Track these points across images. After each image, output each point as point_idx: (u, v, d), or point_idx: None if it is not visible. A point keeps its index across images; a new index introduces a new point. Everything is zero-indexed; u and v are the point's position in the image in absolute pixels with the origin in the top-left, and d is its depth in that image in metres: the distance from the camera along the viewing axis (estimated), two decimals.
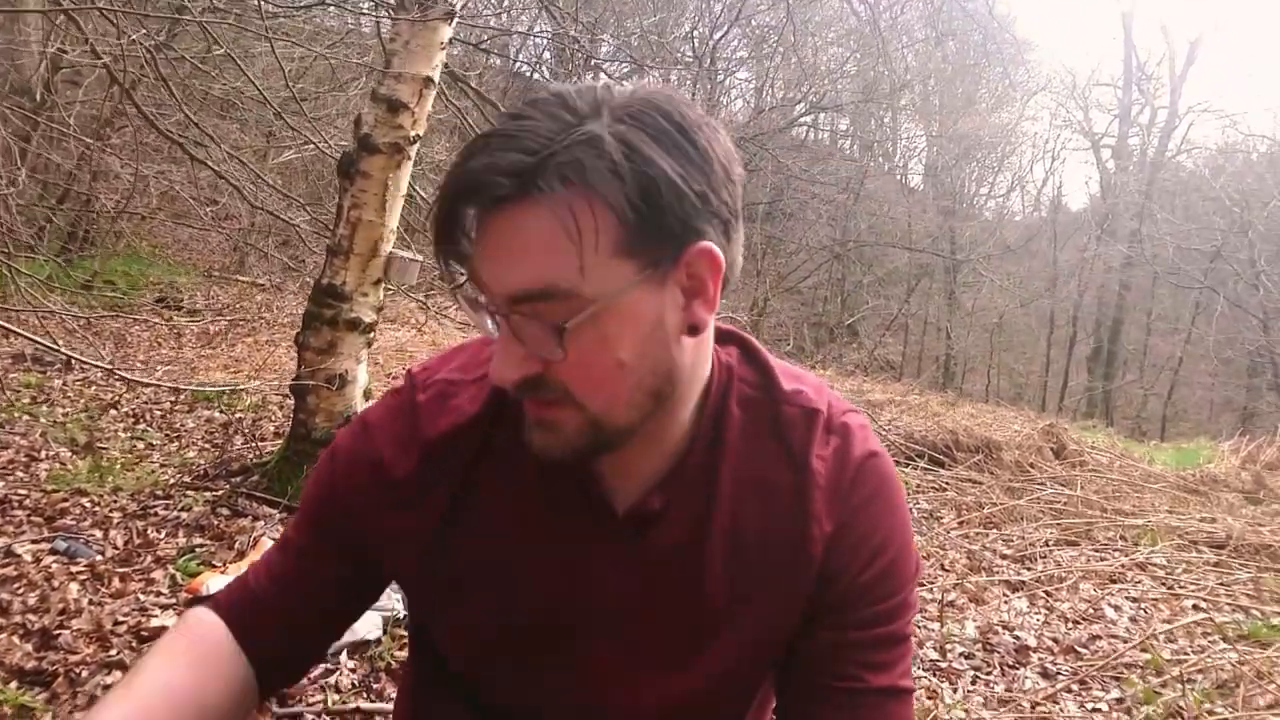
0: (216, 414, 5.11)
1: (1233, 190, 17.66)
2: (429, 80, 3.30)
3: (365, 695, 2.29)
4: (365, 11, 3.75)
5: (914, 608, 0.89)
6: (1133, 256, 18.47)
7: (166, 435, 4.59)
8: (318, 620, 0.93)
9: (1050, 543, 4.99)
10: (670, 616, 0.85)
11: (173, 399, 5.28)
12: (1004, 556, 4.72)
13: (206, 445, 4.44)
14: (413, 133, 3.29)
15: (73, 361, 5.63)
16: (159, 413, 4.98)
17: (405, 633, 2.59)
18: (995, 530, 5.13)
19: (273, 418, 5.11)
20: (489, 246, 0.69)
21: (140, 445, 4.28)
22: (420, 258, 3.56)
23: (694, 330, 0.75)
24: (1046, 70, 22.94)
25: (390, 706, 2.22)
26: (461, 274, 0.72)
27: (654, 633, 0.86)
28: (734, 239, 0.75)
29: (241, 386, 4.80)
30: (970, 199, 22.06)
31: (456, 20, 3.45)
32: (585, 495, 0.83)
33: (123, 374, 2.97)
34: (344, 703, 2.22)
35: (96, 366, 2.61)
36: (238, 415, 5.11)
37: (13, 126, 7.02)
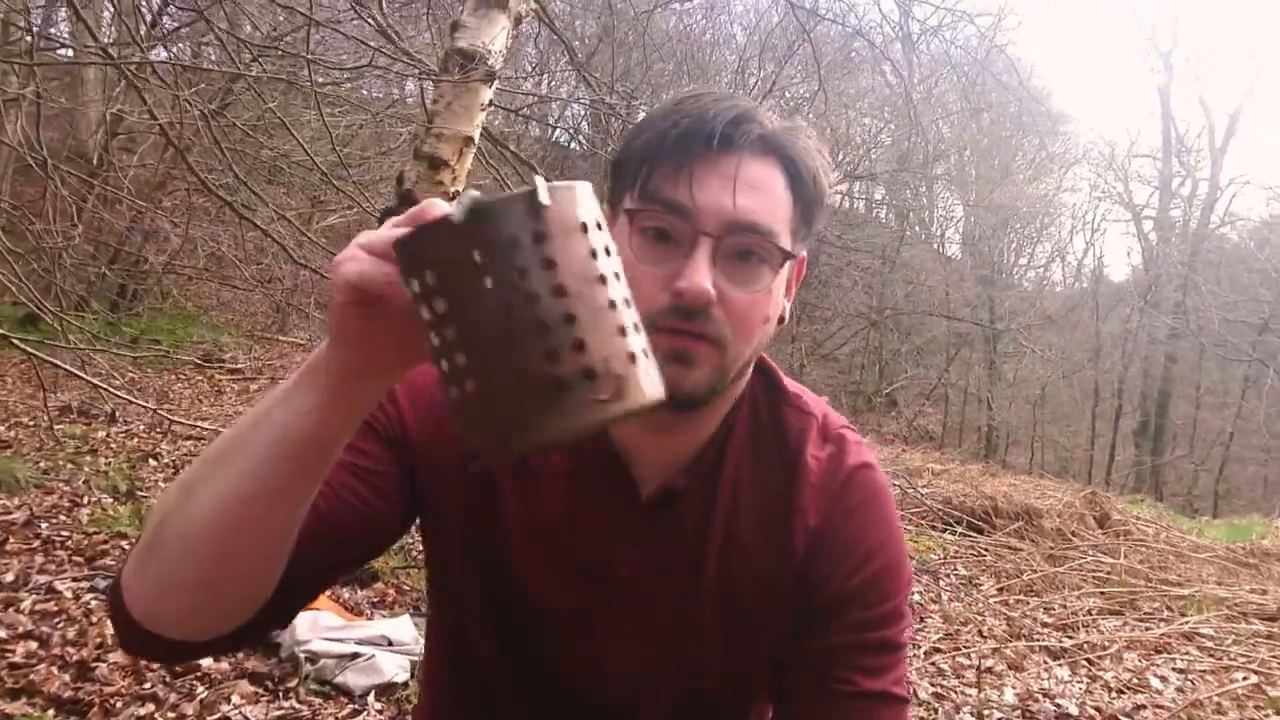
0: None
1: (1279, 262, 17.43)
2: (469, 140, 3.39)
3: None
4: (410, 72, 3.87)
5: (906, 618, 0.91)
6: (1178, 328, 18.20)
7: None
8: (343, 530, 0.84)
9: (1093, 611, 4.86)
10: (674, 593, 0.90)
11: None
12: (1044, 624, 4.60)
13: None
14: (453, 189, 3.37)
15: (116, 415, 5.76)
16: None
17: None
18: (1036, 598, 5.00)
19: None
20: (725, 177, 0.78)
21: None
22: None
23: (781, 320, 0.86)
24: (1084, 142, 22.90)
25: None
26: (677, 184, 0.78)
27: (656, 608, 0.90)
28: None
29: None
30: (1009, 269, 21.96)
31: (496, 85, 3.55)
32: (615, 480, 0.89)
33: (167, 415, 3.03)
34: None
35: (144, 407, 2.68)
36: None
37: (69, 188, 7.28)
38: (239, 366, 9.35)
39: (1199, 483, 19.15)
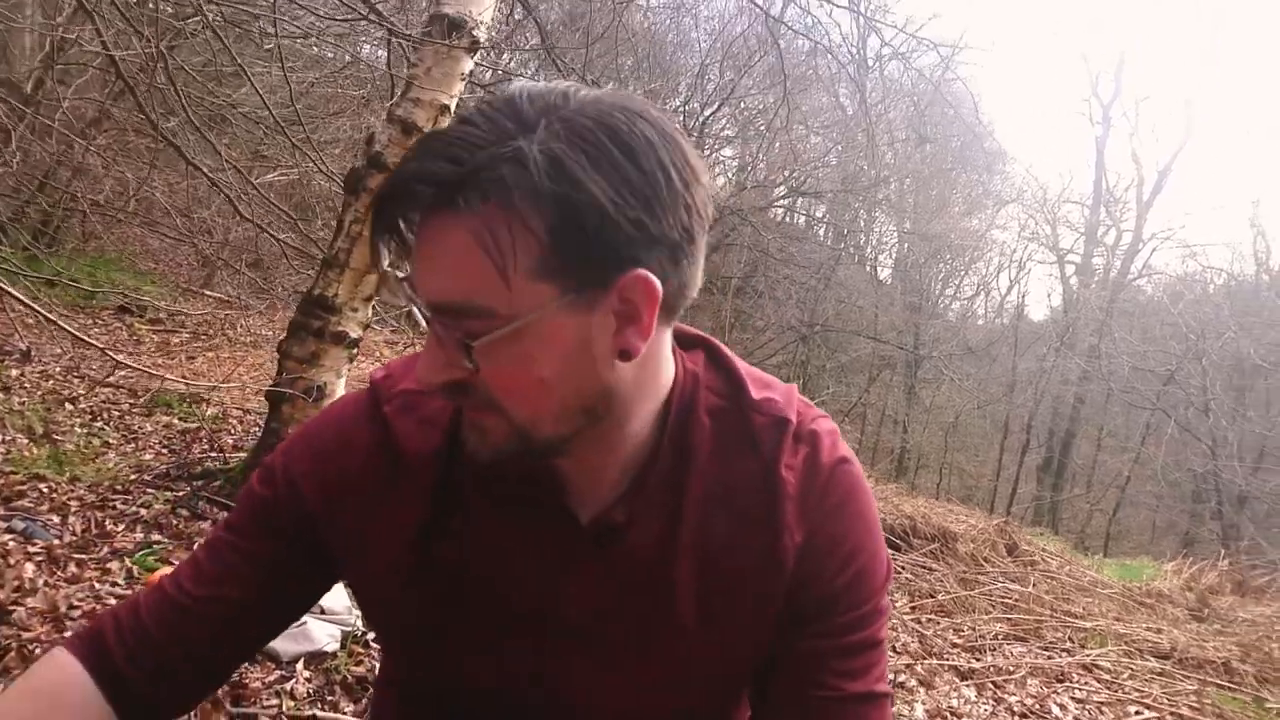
0: (175, 420, 5.00)
1: (1190, 318, 18.23)
2: (445, 108, 3.33)
3: (320, 705, 2.22)
4: (398, 34, 3.77)
5: (886, 613, 0.88)
6: (1089, 371, 18.89)
7: (123, 436, 4.48)
8: (231, 627, 0.87)
9: (1000, 636, 5.00)
10: (641, 629, 0.84)
11: (131, 401, 5.17)
12: (954, 644, 4.72)
13: (163, 450, 4.34)
14: None
15: (32, 353, 5.52)
16: (117, 413, 4.87)
17: (362, 650, 2.53)
18: (947, 618, 5.13)
19: (232, 431, 5.02)
20: (418, 250, 0.68)
21: (96, 442, 4.17)
22: None
23: (625, 356, 0.73)
24: (1019, 182, 23.65)
25: (346, 717, 2.16)
26: (390, 268, 0.72)
27: (624, 645, 0.84)
28: (685, 263, 0.72)
29: (225, 385, 4.70)
30: (936, 298, 22.52)
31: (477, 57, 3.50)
32: (548, 506, 0.82)
33: (118, 358, 2.89)
34: (299, 710, 2.14)
35: (94, 346, 2.55)
36: (195, 424, 5.00)
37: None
38: (160, 317, 9.03)
39: (1092, 521, 19.90)
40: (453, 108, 3.38)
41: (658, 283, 0.69)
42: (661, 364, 0.81)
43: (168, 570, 2.57)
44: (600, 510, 0.82)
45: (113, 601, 2.36)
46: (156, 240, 11.20)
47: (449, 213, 0.65)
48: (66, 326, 2.51)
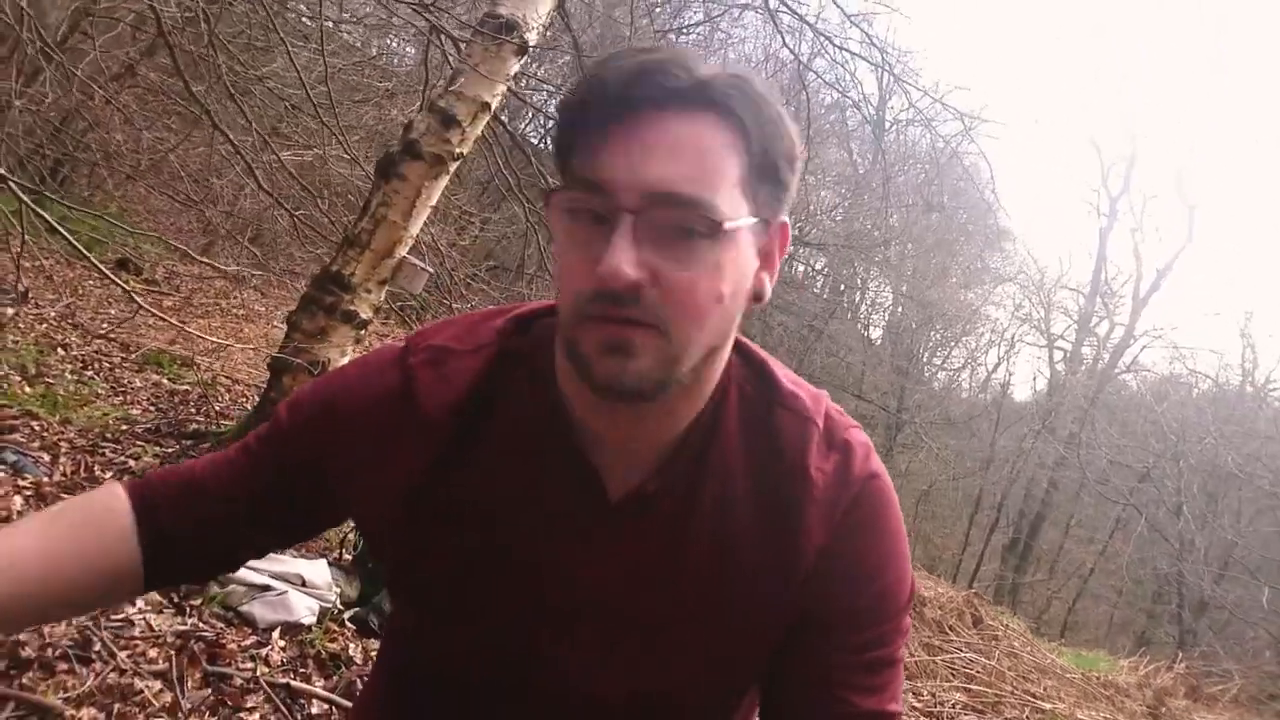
0: (165, 380, 4.96)
1: (1172, 418, 18.38)
2: (486, 105, 3.35)
3: (294, 675, 2.19)
4: (446, 29, 3.80)
5: (906, 633, 0.88)
6: (1067, 458, 18.97)
7: (112, 388, 4.43)
8: (245, 527, 0.91)
9: (959, 705, 4.98)
10: (648, 606, 0.83)
11: (123, 355, 5.13)
12: (914, 708, 4.69)
13: (150, 407, 4.29)
14: (459, 150, 3.32)
15: (29, 294, 5.46)
16: (108, 365, 4.82)
17: (338, 628, 2.50)
18: (909, 681, 5.11)
19: (220, 398, 4.97)
20: (643, 141, 0.68)
21: (86, 391, 4.13)
22: (430, 270, 3.54)
23: (758, 297, 0.78)
24: (1019, 262, 23.88)
25: (319, 690, 2.13)
26: (585, 156, 0.70)
27: (630, 620, 0.84)
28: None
29: (232, 344, 4.67)
30: (924, 365, 22.64)
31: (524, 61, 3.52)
32: (579, 476, 0.81)
33: (142, 303, 2.86)
34: (273, 676, 2.11)
35: (123, 287, 2.53)
36: (185, 386, 4.96)
37: (26, 58, 6.92)
38: (156, 279, 8.98)
39: (1050, 609, 19.90)
40: (493, 106, 3.39)
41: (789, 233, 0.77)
42: (736, 329, 0.82)
43: None
44: (631, 482, 0.82)
45: None
46: (162, 202, 11.15)
47: (697, 107, 0.69)
48: (98, 264, 2.48)
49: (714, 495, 0.82)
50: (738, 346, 0.88)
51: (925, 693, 5.01)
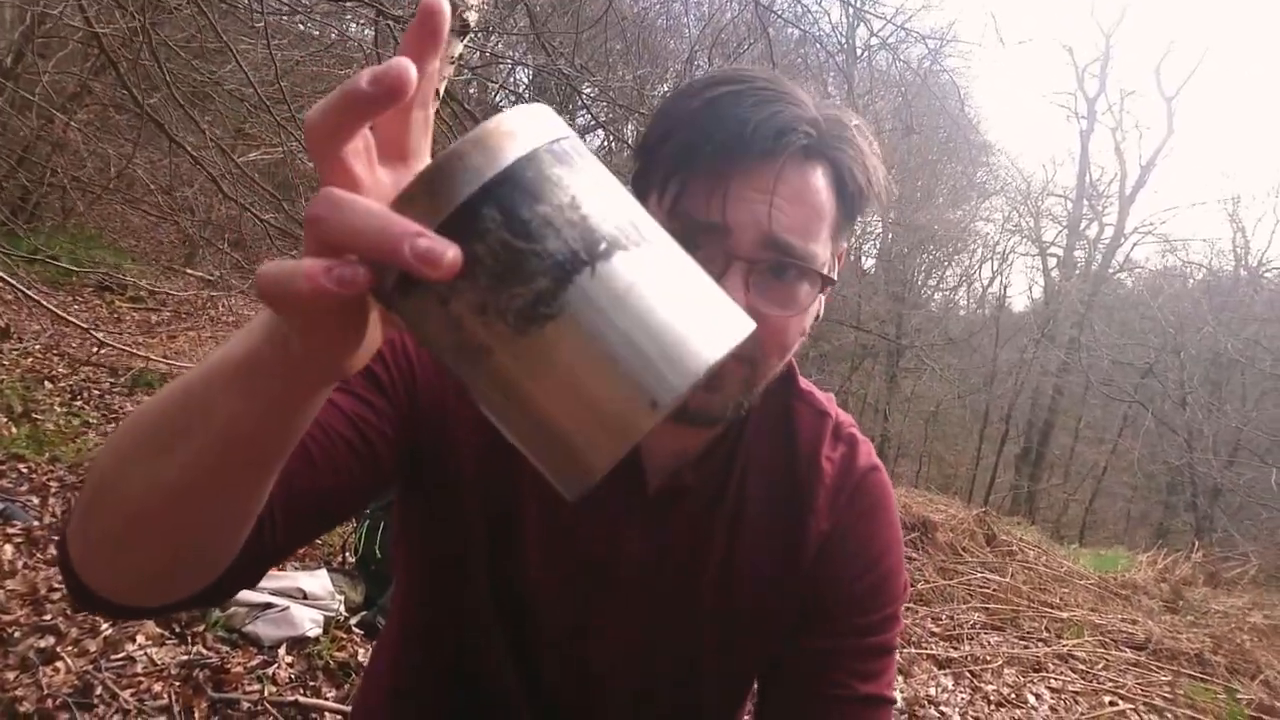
0: None
1: (1169, 312, 18.37)
2: (435, 92, 3.30)
3: (302, 690, 2.22)
4: (389, 13, 3.74)
5: (901, 622, 0.92)
6: (1069, 363, 19.01)
7: (103, 416, 4.44)
8: (330, 492, 0.78)
9: (978, 625, 5.05)
10: (676, 587, 0.87)
11: (112, 380, 5.12)
12: (933, 633, 4.76)
13: None
14: None
15: (11, 330, 5.45)
16: (97, 393, 4.82)
17: (345, 635, 2.53)
18: (925, 607, 5.18)
19: None
20: (763, 189, 0.71)
21: (76, 422, 4.14)
22: None
23: (815, 322, 0.81)
24: (1003, 175, 23.70)
25: (328, 704, 2.16)
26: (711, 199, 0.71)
27: (660, 602, 0.87)
28: None
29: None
30: (919, 288, 22.57)
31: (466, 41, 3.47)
32: (624, 467, 0.81)
33: (99, 336, 2.86)
34: (280, 695, 2.14)
35: (75, 324, 2.53)
36: None
37: None
38: (140, 295, 8.94)
39: (1068, 511, 20.09)
40: (441, 90, 3.35)
41: None
42: None
43: None
44: (671, 475, 0.85)
45: None
46: (138, 218, 11.09)
47: (815, 161, 0.73)
48: (46, 304, 2.48)
49: (739, 485, 0.87)
50: None
51: (944, 617, 5.07)
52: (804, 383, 0.93)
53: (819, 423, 0.90)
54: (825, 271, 0.75)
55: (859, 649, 0.86)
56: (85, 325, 2.78)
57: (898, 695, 0.87)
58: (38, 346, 5.37)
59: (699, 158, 0.71)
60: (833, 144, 0.73)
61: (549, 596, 0.88)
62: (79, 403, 4.53)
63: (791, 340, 0.77)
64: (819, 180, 0.73)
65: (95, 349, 5.55)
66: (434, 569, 0.95)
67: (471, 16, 3.28)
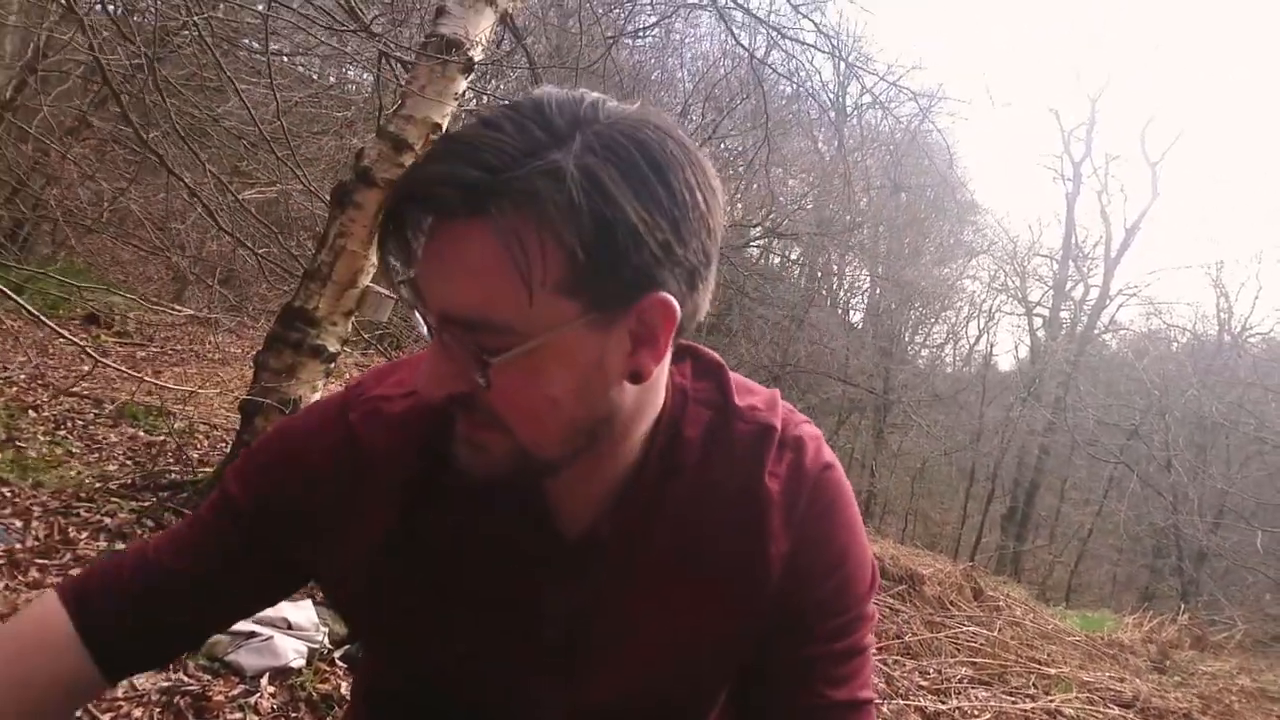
0: (141, 432, 4.91)
1: (1154, 374, 18.53)
2: (437, 126, 3.34)
3: None
4: (392, 52, 3.79)
5: (872, 619, 0.88)
6: (1055, 423, 19.09)
7: (87, 446, 4.39)
8: (195, 602, 0.87)
9: (965, 679, 4.99)
10: (618, 641, 0.83)
11: (96, 410, 5.08)
12: (921, 686, 4.70)
13: (128, 461, 4.26)
14: None
15: None
16: (81, 423, 4.77)
17: (328, 668, 2.48)
18: (913, 660, 5.11)
19: (198, 445, 4.93)
20: (432, 258, 0.66)
21: (59, 451, 4.08)
22: (395, 297, 3.52)
23: (636, 378, 0.72)
24: (990, 234, 24.04)
25: None
26: (401, 273, 0.69)
27: (601, 656, 0.84)
28: (701, 287, 0.71)
29: (197, 390, 4.64)
30: (906, 344, 22.71)
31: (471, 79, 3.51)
32: (532, 519, 0.81)
33: (99, 359, 2.85)
34: None
35: (74, 343, 2.51)
36: (161, 437, 4.91)
37: None
38: (127, 330, 8.90)
39: (1054, 573, 20.01)
40: (444, 126, 3.38)
41: (677, 306, 0.68)
42: (660, 385, 0.80)
43: None
44: (584, 524, 0.81)
45: None
46: (127, 252, 11.09)
47: (475, 220, 0.63)
48: (45, 320, 2.46)
49: (676, 526, 0.82)
50: (693, 356, 0.89)
51: (931, 670, 5.01)
52: (742, 396, 0.87)
53: (761, 440, 0.83)
54: (557, 333, 0.66)
55: (829, 655, 0.83)
56: (82, 344, 2.76)
57: (875, 694, 0.85)
58: (22, 376, 5.33)
59: (386, 225, 0.67)
60: (516, 198, 0.62)
61: (480, 657, 0.86)
62: (62, 432, 4.48)
63: (532, 409, 0.69)
64: (488, 239, 0.63)
65: (80, 379, 5.51)
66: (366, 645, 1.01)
67: (476, 54, 3.32)
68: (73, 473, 3.64)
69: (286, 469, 0.85)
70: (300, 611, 2.60)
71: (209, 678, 2.26)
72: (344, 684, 2.41)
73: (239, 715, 2.11)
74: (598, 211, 0.63)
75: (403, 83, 4.41)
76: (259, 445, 0.90)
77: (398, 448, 0.82)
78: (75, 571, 2.52)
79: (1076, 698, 4.97)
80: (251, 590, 0.90)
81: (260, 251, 5.48)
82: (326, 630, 2.58)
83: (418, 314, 0.70)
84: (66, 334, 2.65)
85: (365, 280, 3.32)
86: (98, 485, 3.41)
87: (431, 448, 0.80)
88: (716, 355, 0.91)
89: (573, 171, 0.62)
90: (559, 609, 0.82)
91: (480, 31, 3.28)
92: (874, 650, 0.90)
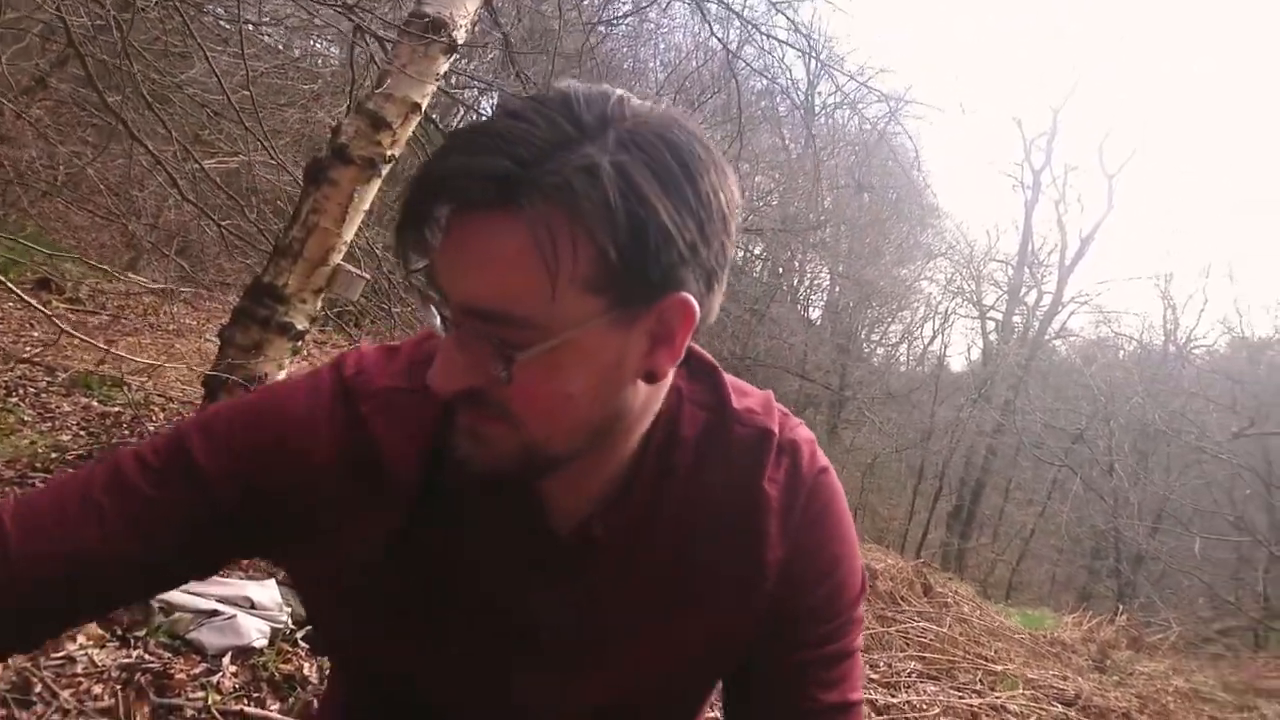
0: (95, 403, 4.81)
1: (1101, 380, 18.95)
2: (416, 106, 3.30)
3: (247, 701, 2.15)
4: (370, 29, 3.73)
5: (861, 622, 0.90)
6: (1003, 424, 19.44)
7: (39, 414, 4.29)
8: (144, 582, 0.81)
9: (914, 674, 5.08)
10: (612, 643, 0.84)
11: (49, 379, 4.96)
12: (871, 680, 4.78)
13: (81, 432, 4.17)
14: (390, 152, 3.27)
15: None
16: (33, 390, 4.66)
17: (291, 649, 2.46)
18: (865, 654, 5.20)
19: (154, 418, 4.85)
20: (454, 249, 0.64)
21: (11, 419, 3.99)
22: (367, 276, 3.49)
23: (651, 378, 0.72)
24: (949, 237, 24.37)
25: (274, 715, 2.10)
26: (418, 265, 0.67)
27: (593, 658, 0.84)
28: (716, 288, 0.72)
29: (161, 365, 4.55)
30: (862, 342, 22.96)
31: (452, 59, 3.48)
32: (527, 518, 0.81)
33: (65, 328, 2.78)
34: (225, 705, 2.07)
35: (43, 312, 2.46)
36: (116, 408, 4.82)
37: None
38: (80, 297, 8.69)
39: (996, 570, 20.39)
40: (424, 106, 3.35)
41: (697, 307, 0.69)
42: (666, 386, 0.80)
43: None
44: (579, 524, 0.81)
45: None
46: (82, 218, 10.81)
47: (505, 212, 0.62)
48: (15, 289, 2.40)
49: (671, 528, 0.82)
50: (689, 359, 0.87)
51: (882, 664, 5.10)
52: (738, 398, 0.87)
53: (760, 446, 0.84)
54: (580, 329, 0.65)
55: (821, 659, 0.84)
56: (50, 313, 2.70)
57: (863, 695, 0.87)
58: None
59: (414, 214, 0.65)
60: (551, 192, 0.62)
61: (470, 655, 0.85)
62: (14, 399, 4.38)
63: (549, 405, 0.68)
64: (511, 233, 0.62)
65: (38, 349, 5.38)
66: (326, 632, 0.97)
67: (460, 35, 3.29)
68: (25, 442, 3.56)
69: (282, 458, 0.79)
70: (264, 591, 2.57)
71: (170, 655, 2.23)
72: (306, 664, 2.40)
73: (200, 694, 2.09)
74: (633, 210, 0.63)
75: (377, 59, 4.37)
76: (236, 417, 0.82)
77: (409, 446, 0.80)
78: None
79: (1021, 694, 5.10)
80: (199, 567, 0.83)
81: (224, 223, 5.37)
82: (290, 610, 2.56)
83: (432, 306, 0.69)
84: (35, 303, 2.58)
85: (337, 258, 3.28)
86: (53, 455, 3.34)
87: (435, 447, 0.79)
88: (710, 357, 0.90)
89: (608, 168, 0.62)
90: (552, 610, 0.82)
91: (466, 13, 3.25)
92: (861, 653, 0.91)
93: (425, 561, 0.81)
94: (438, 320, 0.69)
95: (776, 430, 0.85)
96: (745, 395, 0.88)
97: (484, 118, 0.68)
